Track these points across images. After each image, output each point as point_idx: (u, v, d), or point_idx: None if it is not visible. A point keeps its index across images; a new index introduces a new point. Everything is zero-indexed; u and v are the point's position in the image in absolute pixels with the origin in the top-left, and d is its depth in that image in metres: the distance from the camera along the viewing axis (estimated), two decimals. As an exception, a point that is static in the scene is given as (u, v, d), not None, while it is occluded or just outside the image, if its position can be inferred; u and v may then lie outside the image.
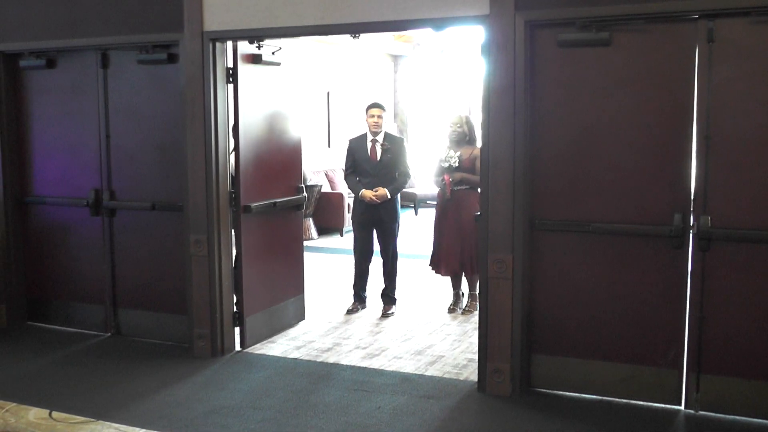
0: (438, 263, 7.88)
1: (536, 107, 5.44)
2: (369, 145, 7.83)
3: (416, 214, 15.33)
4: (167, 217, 6.77)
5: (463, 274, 7.91)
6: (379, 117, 7.79)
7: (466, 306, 7.94)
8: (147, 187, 6.86)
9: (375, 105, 7.90)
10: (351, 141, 8.03)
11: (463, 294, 8.08)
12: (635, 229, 5.27)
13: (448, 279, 8.17)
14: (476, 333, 5.74)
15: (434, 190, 8.41)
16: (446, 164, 7.61)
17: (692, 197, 5.13)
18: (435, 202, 8.12)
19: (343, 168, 8.13)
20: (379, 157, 7.78)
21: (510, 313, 5.53)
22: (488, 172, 5.51)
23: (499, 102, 5.42)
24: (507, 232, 5.49)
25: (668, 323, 5.28)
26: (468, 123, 7.77)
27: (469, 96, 16.33)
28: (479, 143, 7.54)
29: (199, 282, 6.49)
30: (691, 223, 5.14)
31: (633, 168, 5.26)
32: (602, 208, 5.35)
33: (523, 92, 5.37)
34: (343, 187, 13.30)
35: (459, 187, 7.62)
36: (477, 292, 7.85)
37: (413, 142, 17.14)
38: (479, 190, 7.44)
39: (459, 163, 7.59)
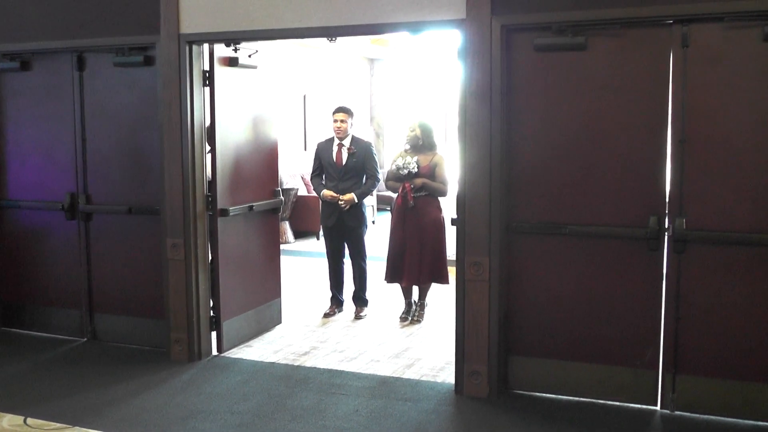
0: (400, 275, 7.63)
1: (513, 111, 5.45)
2: (335, 149, 7.81)
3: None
4: (144, 220, 6.72)
5: (419, 283, 7.73)
6: (343, 122, 7.75)
7: (415, 315, 7.80)
8: (123, 190, 6.81)
9: (339, 109, 7.86)
10: (319, 144, 8.03)
11: (414, 302, 7.92)
12: (611, 231, 5.30)
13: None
14: (453, 336, 5.74)
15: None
16: (405, 171, 7.38)
17: (667, 200, 5.16)
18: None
19: (311, 170, 8.13)
20: (344, 162, 7.77)
21: (487, 314, 5.54)
22: (465, 175, 5.51)
23: (475, 106, 5.43)
24: (484, 235, 5.49)
25: (644, 324, 5.31)
26: (423, 128, 7.51)
27: (446, 100, 16.36)
28: (440, 149, 7.61)
29: (175, 286, 6.46)
30: (667, 226, 5.17)
31: (609, 171, 5.28)
32: (578, 210, 5.38)
33: (500, 96, 5.38)
34: (319, 191, 13.29)
35: (419, 194, 7.42)
36: (426, 301, 7.89)
37: (389, 146, 17.15)
38: (440, 197, 7.52)
39: (417, 168, 7.39)
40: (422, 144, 7.51)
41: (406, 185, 7.42)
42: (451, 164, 7.47)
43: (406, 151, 7.58)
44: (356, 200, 7.73)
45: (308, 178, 13.99)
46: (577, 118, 5.33)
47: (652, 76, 5.12)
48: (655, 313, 5.27)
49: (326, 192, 7.75)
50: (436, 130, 7.66)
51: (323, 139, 8.05)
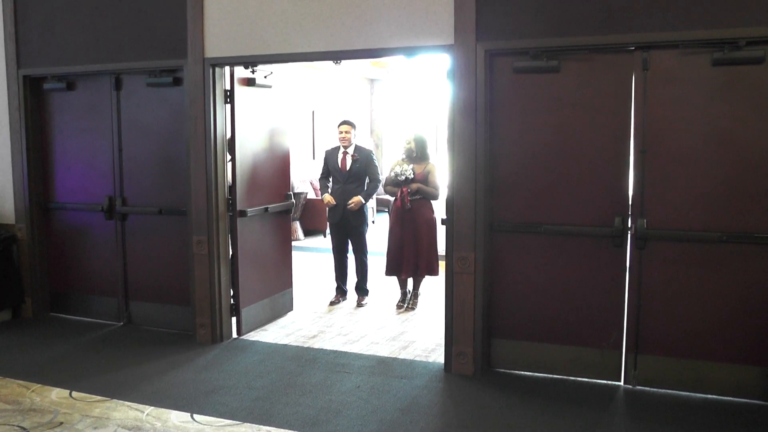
0: (399, 268, 7.62)
1: (495, 125, 5.45)
2: (340, 156, 7.81)
3: (390, 217, 15.30)
4: (172, 220, 6.71)
5: (415, 275, 7.71)
6: (347, 133, 7.76)
7: (409, 303, 7.77)
8: (154, 194, 6.80)
9: (344, 122, 7.88)
10: (326, 152, 8.02)
11: (409, 291, 7.89)
12: (581, 230, 5.30)
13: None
14: (443, 321, 5.73)
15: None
16: (402, 177, 7.38)
17: (630, 202, 5.16)
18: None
19: (321, 172, 8.13)
20: (348, 168, 7.77)
21: (472, 303, 5.54)
22: (454, 181, 5.51)
23: (462, 120, 5.43)
24: (470, 233, 5.49)
25: (610, 311, 5.31)
26: (418, 141, 7.52)
27: (437, 115, 16.35)
28: (432, 159, 7.61)
29: (200, 277, 6.45)
30: (630, 225, 5.17)
31: (579, 177, 5.28)
32: (552, 212, 5.37)
33: (484, 112, 5.38)
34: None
35: (414, 197, 7.42)
36: (419, 291, 7.88)
37: (387, 155, 17.12)
38: (432, 201, 7.52)
39: (413, 175, 7.41)
40: (416, 155, 7.51)
41: (404, 189, 7.42)
42: (441, 171, 7.47)
43: (402, 160, 7.58)
44: (364, 201, 7.76)
45: (317, 183, 13.94)
46: (552, 130, 5.33)
47: (617, 95, 5.12)
48: (620, 301, 5.27)
49: (327, 196, 7.80)
50: (429, 142, 7.65)
51: (330, 147, 8.05)
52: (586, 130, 5.24)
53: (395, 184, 7.51)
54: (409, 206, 7.42)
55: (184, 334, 6.69)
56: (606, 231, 5.22)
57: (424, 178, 7.44)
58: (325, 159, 7.97)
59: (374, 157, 7.95)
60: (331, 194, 7.82)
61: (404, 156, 7.60)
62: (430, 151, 7.66)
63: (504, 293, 5.60)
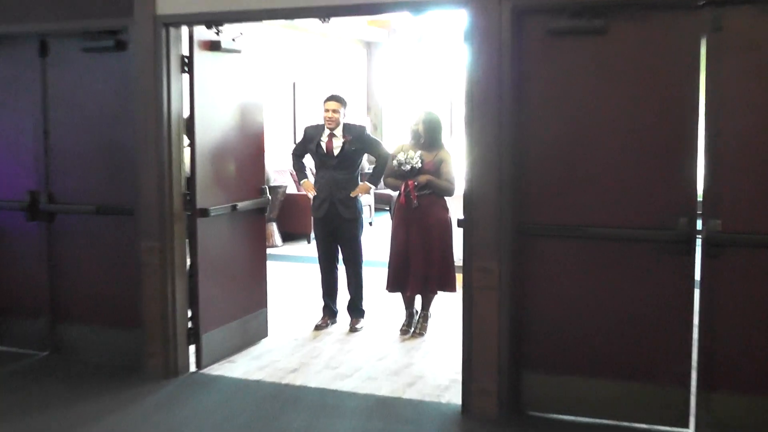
0: (403, 283, 7.64)
1: (525, 101, 5.44)
2: (325, 138, 7.83)
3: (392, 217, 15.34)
4: (114, 221, 6.70)
5: (424, 291, 7.74)
6: (335, 112, 7.77)
7: (417, 327, 7.79)
8: (91, 188, 6.79)
9: (331, 98, 7.88)
10: (307, 129, 8.08)
11: (416, 312, 7.93)
12: (635, 233, 5.29)
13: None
14: (460, 350, 5.72)
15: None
16: (407, 166, 7.37)
17: (700, 199, 5.15)
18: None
19: (293, 149, 8.22)
20: (336, 151, 7.78)
21: (496, 326, 5.53)
22: (472, 171, 5.51)
23: (483, 95, 5.43)
24: (493, 238, 5.49)
25: (674, 336, 5.30)
26: (428, 122, 7.50)
27: (451, 88, 16.36)
28: (446, 145, 7.61)
29: (150, 293, 6.44)
30: (698, 228, 5.16)
31: (632, 167, 5.27)
32: (598, 210, 5.37)
33: (510, 84, 5.38)
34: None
35: (423, 192, 7.42)
36: (430, 312, 7.88)
37: (388, 139, 17.14)
38: (446, 197, 7.53)
39: (422, 164, 7.39)
40: (425, 140, 7.50)
41: (409, 183, 7.42)
42: (457, 160, 7.46)
43: (408, 145, 7.59)
44: (374, 187, 7.89)
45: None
46: (598, 109, 5.32)
47: (681, 63, 5.11)
48: (687, 324, 5.26)
49: (306, 183, 7.91)
50: (442, 124, 7.64)
51: (313, 124, 8.08)
52: (642, 108, 5.23)
53: (399, 175, 7.51)
54: (417, 204, 7.42)
55: (129, 366, 6.67)
56: (668, 235, 5.20)
57: (436, 169, 7.44)
58: (306, 138, 8.02)
59: (369, 133, 7.95)
60: (315, 184, 7.85)
61: (411, 140, 7.61)
62: (444, 134, 7.68)
63: (537, 314, 5.59)
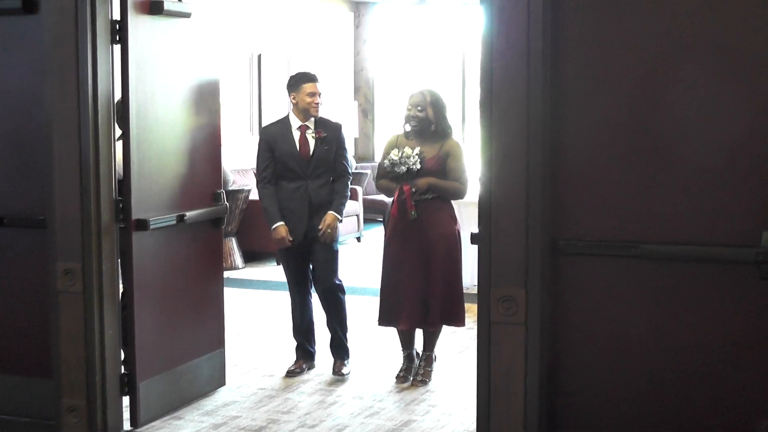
0: (397, 314, 7.59)
1: (561, 80, 5.43)
2: (296, 134, 7.82)
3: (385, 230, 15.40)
4: (22, 236, 6.69)
5: (424, 325, 7.71)
6: (319, 95, 7.80)
7: (419, 373, 7.78)
8: (-9, 194, 6.80)
9: (314, 77, 7.88)
10: (266, 131, 8.10)
11: (417, 355, 7.92)
12: (705, 252, 5.26)
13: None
14: (474, 403, 5.69)
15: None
16: (403, 167, 7.31)
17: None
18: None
19: (256, 171, 8.09)
20: (312, 151, 7.78)
21: (523, 373, 5.51)
22: (491, 172, 5.49)
23: (505, 71, 5.41)
24: (518, 258, 5.46)
25: (756, 383, 5.27)
26: (435, 104, 7.49)
27: (463, 64, 16.38)
28: (454, 133, 7.58)
29: (69, 330, 6.40)
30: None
31: (701, 168, 5.25)
32: (657, 223, 5.35)
33: (542, 58, 5.35)
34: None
35: (424, 197, 7.40)
36: (434, 353, 7.86)
37: (381, 129, 17.18)
38: (454, 200, 7.51)
39: (422, 163, 7.34)
40: (425, 129, 7.47)
41: (405, 188, 7.37)
42: (469, 153, 7.43)
43: (404, 135, 7.55)
44: (340, 219, 7.79)
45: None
46: (656, 90, 5.31)
47: (765, 33, 5.08)
48: (772, 368, 5.26)
49: (281, 229, 7.70)
50: (448, 106, 7.62)
51: (272, 122, 8.13)
52: (716, 90, 5.20)
53: (393, 177, 7.46)
54: (415, 215, 7.36)
55: (42, 425, 6.64)
56: (748, 254, 5.16)
57: (441, 166, 7.42)
58: (266, 143, 7.93)
59: (344, 137, 7.96)
60: (282, 202, 7.79)
61: (407, 129, 7.56)
62: (450, 120, 7.66)
63: (576, 357, 5.59)
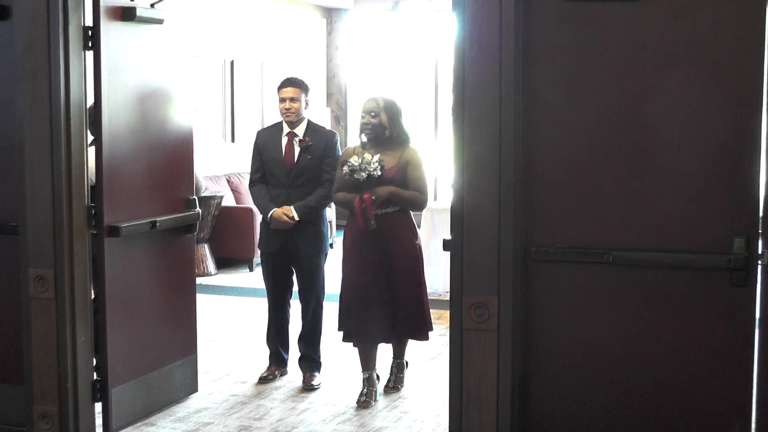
0: (356, 329, 7.38)
1: (533, 86, 5.43)
2: (284, 140, 7.81)
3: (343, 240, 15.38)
4: (-6, 242, 6.68)
5: (391, 340, 7.57)
6: (293, 100, 7.73)
7: (391, 379, 7.73)
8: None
9: (288, 82, 7.84)
10: (259, 134, 8.07)
11: (378, 378, 7.63)
12: (677, 259, 5.26)
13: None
14: (446, 410, 5.68)
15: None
16: (363, 174, 7.07)
17: (761, 214, 5.14)
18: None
19: (249, 172, 8.10)
20: (296, 158, 7.75)
21: (495, 380, 5.49)
22: (463, 178, 5.48)
23: (478, 77, 5.39)
24: (491, 264, 5.45)
25: (728, 390, 5.27)
26: (389, 109, 7.27)
27: (435, 71, 16.40)
28: (412, 140, 7.51)
29: (41, 337, 6.38)
30: (761, 251, 5.14)
31: (674, 175, 5.25)
32: (628, 229, 5.35)
33: (514, 64, 5.33)
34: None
35: (385, 210, 7.21)
36: (405, 359, 7.77)
37: (354, 134, 17.15)
38: (414, 211, 7.45)
39: (382, 171, 7.12)
40: (390, 136, 7.31)
41: (366, 197, 7.14)
42: (427, 159, 7.37)
43: (363, 146, 7.39)
44: (296, 217, 7.63)
45: (237, 180, 14.04)
46: (628, 99, 5.32)
47: (740, 40, 5.09)
48: (745, 374, 5.24)
49: (277, 212, 7.65)
50: (404, 112, 7.47)
51: (267, 126, 8.07)
52: (686, 97, 5.21)
53: (352, 185, 7.24)
54: (374, 225, 7.19)
55: (14, 431, 6.61)
56: (720, 260, 5.16)
57: (401, 175, 7.24)
58: (258, 147, 7.96)
59: (338, 146, 7.91)
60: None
61: (364, 140, 7.38)
62: (407, 127, 7.47)
63: (549, 364, 5.58)
